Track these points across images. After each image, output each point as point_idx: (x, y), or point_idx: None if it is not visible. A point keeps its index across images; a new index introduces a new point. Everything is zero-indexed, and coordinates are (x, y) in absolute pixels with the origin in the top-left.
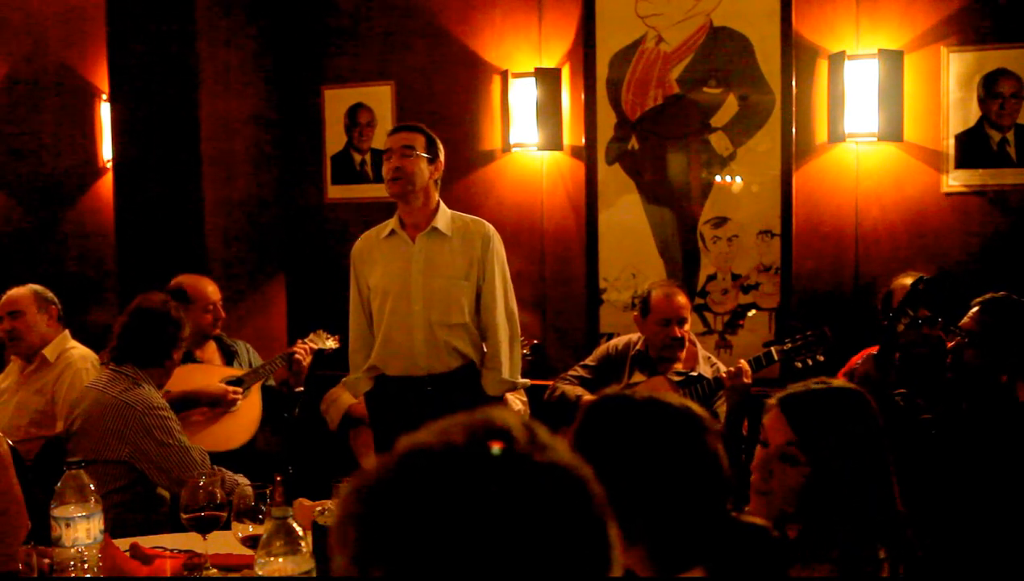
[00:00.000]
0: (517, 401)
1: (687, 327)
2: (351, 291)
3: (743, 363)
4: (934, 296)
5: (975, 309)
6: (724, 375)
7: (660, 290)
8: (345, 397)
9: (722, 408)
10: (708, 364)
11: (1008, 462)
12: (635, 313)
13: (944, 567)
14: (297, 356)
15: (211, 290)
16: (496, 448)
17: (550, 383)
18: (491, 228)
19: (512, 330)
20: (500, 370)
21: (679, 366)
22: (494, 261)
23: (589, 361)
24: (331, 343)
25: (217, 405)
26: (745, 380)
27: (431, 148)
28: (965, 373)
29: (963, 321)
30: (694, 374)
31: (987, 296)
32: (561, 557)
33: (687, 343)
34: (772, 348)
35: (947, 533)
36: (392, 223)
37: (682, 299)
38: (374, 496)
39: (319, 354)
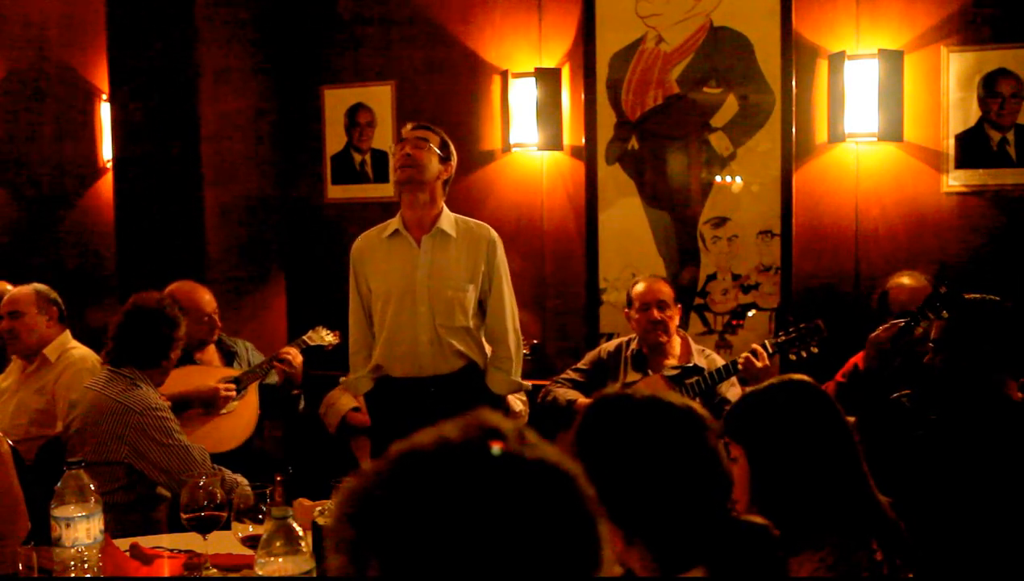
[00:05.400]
0: (518, 402)
1: (669, 313)
2: (350, 292)
3: (757, 346)
4: (956, 300)
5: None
6: (741, 361)
7: (642, 280)
8: (343, 401)
9: (731, 391)
10: (703, 357)
11: (1000, 461)
12: (625, 309)
13: (942, 565)
14: (286, 361)
15: (206, 299)
16: (488, 447)
17: (547, 383)
18: (495, 233)
19: (517, 333)
20: (510, 371)
21: (673, 360)
22: (500, 267)
23: (582, 364)
24: (330, 338)
25: (211, 404)
26: (759, 364)
27: (444, 148)
28: (937, 382)
29: (932, 332)
30: (690, 365)
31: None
32: (551, 552)
33: (679, 337)
34: (766, 341)
35: (944, 533)
36: (395, 223)
37: (662, 286)
38: (370, 494)
39: (319, 352)
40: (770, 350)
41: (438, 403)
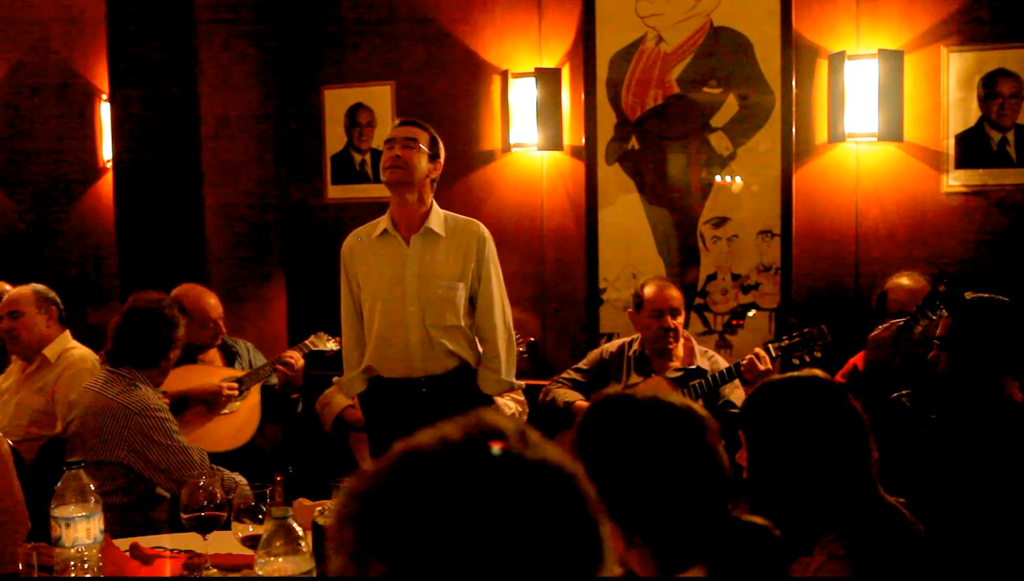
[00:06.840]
0: (513, 402)
1: (680, 320)
2: (342, 290)
3: (759, 350)
4: (955, 298)
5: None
6: (744, 364)
7: (652, 283)
8: (339, 399)
9: (735, 393)
10: (706, 358)
11: (1001, 462)
12: (630, 310)
13: (942, 565)
14: (288, 364)
15: (211, 305)
16: (489, 447)
17: (547, 383)
18: (484, 229)
19: (508, 331)
20: (499, 371)
21: (676, 363)
22: (490, 264)
23: (582, 364)
24: (331, 345)
25: (213, 403)
26: (761, 367)
27: (433, 146)
28: (940, 381)
29: (938, 330)
30: (693, 367)
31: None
32: (552, 552)
33: (682, 339)
34: (770, 345)
35: (944, 533)
36: (384, 222)
37: (674, 292)
38: (371, 494)
39: (319, 355)
40: (773, 354)
41: (430, 404)
